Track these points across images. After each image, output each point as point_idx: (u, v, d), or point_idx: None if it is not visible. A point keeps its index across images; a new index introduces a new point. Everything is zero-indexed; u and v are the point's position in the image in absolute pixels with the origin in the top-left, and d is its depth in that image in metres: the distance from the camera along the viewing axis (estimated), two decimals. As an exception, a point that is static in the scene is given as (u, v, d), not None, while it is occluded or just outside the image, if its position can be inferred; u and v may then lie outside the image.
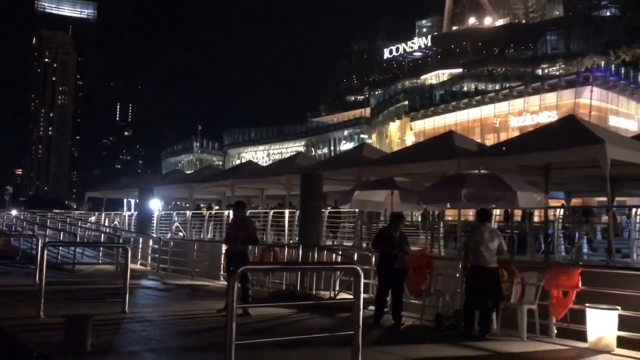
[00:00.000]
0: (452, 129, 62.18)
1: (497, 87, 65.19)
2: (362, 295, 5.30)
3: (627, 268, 9.80)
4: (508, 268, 9.26)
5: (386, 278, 9.53)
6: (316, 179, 14.08)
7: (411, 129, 66.46)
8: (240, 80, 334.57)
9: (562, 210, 13.89)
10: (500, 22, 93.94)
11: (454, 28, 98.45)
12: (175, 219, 22.88)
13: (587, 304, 7.98)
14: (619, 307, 7.78)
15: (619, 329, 7.74)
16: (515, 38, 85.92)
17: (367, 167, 15.14)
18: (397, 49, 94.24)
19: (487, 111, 59.39)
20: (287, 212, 16.87)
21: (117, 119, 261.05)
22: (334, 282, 11.60)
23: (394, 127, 72.46)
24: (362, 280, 5.29)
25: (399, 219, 9.97)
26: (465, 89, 70.05)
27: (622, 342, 7.73)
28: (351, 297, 11.50)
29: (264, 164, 37.72)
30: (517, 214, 17.39)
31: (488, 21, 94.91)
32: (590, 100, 54.09)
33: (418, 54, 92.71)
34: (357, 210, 15.45)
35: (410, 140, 63.23)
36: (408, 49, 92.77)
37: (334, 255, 11.87)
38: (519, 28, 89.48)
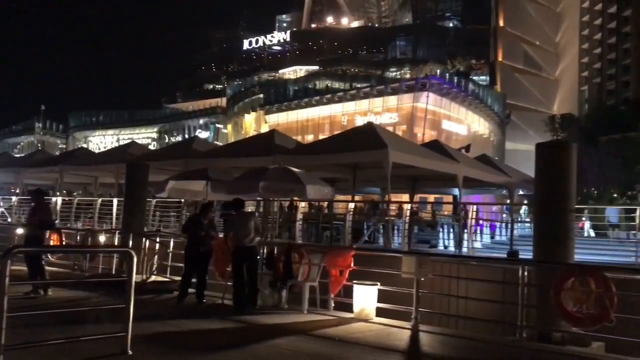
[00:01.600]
0: (305, 124, 65.00)
1: (348, 86, 68.92)
2: (134, 274, 6.17)
3: (393, 251, 11.72)
4: (299, 251, 10.68)
5: (191, 260, 10.46)
6: (142, 169, 14.54)
7: (266, 122, 67.92)
8: (92, 61, 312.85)
9: (353, 204, 15.77)
10: (355, 23, 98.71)
11: (313, 25, 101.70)
12: (1, 204, 21.90)
13: (354, 281, 9.57)
14: (379, 283, 9.43)
15: (379, 301, 9.35)
16: (368, 40, 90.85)
17: (194, 159, 15.92)
18: (257, 41, 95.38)
19: (336, 109, 62.72)
20: (115, 200, 17.07)
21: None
22: (149, 267, 12.29)
23: (249, 118, 73.46)
24: (135, 261, 6.19)
25: (208, 208, 11.01)
26: (319, 86, 72.96)
27: (380, 312, 9.25)
28: (165, 280, 12.27)
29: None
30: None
31: (345, 22, 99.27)
32: (427, 105, 59.31)
33: (277, 47, 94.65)
34: (182, 200, 16.15)
35: (264, 132, 64.70)
36: (268, 42, 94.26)
37: (148, 241, 12.50)
38: (372, 31, 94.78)
